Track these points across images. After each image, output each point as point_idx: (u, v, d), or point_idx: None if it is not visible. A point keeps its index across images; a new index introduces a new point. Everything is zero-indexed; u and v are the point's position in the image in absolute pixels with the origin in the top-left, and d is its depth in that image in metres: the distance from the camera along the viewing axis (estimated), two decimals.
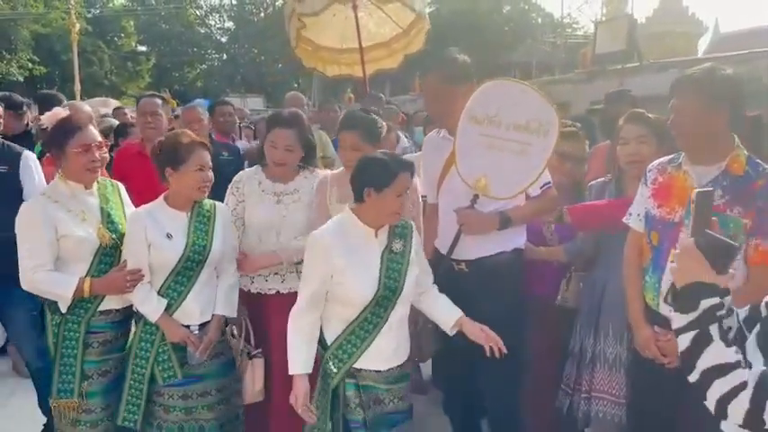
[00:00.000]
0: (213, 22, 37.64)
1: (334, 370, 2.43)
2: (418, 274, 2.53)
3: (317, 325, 2.47)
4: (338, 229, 2.44)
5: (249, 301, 3.08)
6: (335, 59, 5.83)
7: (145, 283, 2.69)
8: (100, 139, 2.75)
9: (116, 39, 31.91)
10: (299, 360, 2.42)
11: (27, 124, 4.84)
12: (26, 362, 3.56)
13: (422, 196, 3.19)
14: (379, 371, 2.45)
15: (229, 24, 37.07)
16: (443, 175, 2.91)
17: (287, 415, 2.91)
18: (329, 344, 2.46)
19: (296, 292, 2.88)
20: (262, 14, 34.62)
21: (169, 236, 2.70)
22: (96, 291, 2.65)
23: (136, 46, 33.98)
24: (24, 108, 4.82)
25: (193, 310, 2.74)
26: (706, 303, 1.38)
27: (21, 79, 26.24)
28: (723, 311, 1.38)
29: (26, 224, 2.63)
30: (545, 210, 2.98)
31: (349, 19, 5.54)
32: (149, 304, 2.69)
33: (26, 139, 4.55)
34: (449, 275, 2.86)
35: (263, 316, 3.05)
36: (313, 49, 5.79)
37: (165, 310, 2.69)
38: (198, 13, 36.41)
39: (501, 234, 2.77)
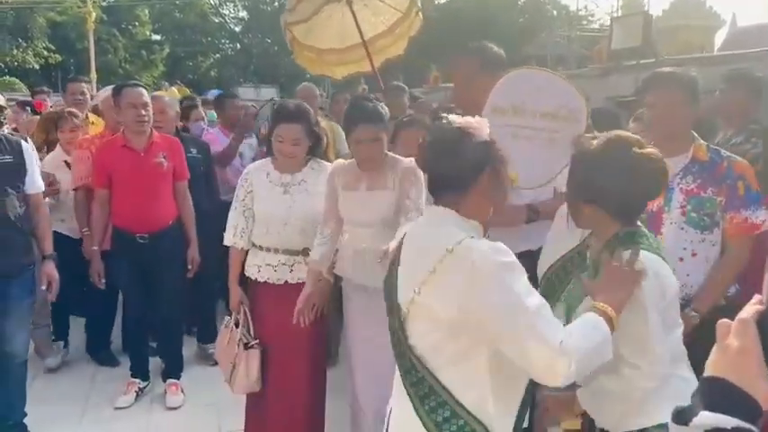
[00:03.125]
0: (227, 12, 37.65)
1: None
2: None
3: None
4: None
5: (255, 289, 3.14)
6: (341, 60, 5.72)
7: None
8: None
9: (130, 27, 31.97)
10: None
11: None
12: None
13: None
14: None
15: (243, 14, 37.07)
16: None
17: (283, 404, 3.06)
18: None
19: (303, 284, 2.98)
20: (276, 4, 34.57)
21: None
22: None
23: (150, 35, 34.03)
24: None
25: None
26: (706, 421, 0.78)
27: (36, 67, 26.42)
28: None
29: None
30: None
31: (346, 16, 5.38)
32: None
33: None
34: None
35: (267, 305, 3.10)
36: (316, 54, 5.69)
37: None
38: (212, 2, 36.40)
39: (528, 232, 2.68)
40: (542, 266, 2.43)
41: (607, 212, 1.85)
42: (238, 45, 36.78)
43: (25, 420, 3.45)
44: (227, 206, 3.29)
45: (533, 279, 2.50)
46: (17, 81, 23.40)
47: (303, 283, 3.04)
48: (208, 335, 4.72)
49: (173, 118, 4.53)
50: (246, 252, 3.16)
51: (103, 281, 3.91)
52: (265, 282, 3.11)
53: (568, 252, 2.30)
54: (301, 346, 3.06)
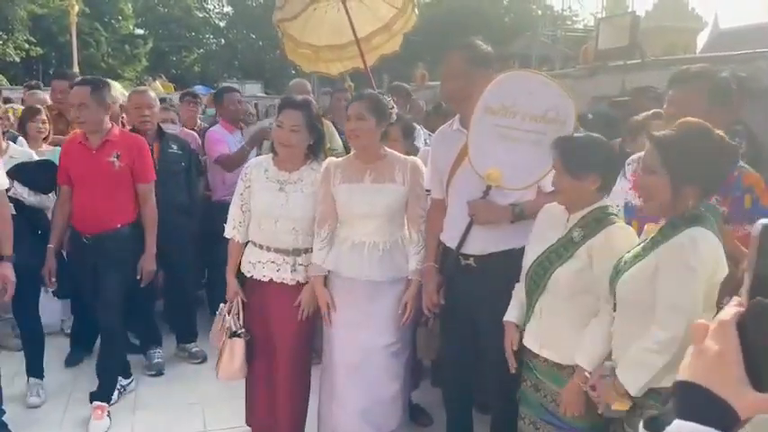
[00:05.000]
0: (212, 7, 37.43)
1: None
2: None
3: None
4: None
5: (250, 285, 3.16)
6: (339, 56, 5.69)
7: None
8: None
9: (113, 21, 31.61)
10: None
11: None
12: None
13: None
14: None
15: (228, 9, 36.86)
16: (455, 169, 2.88)
17: (280, 395, 3.11)
18: None
19: (286, 285, 3.04)
20: (261, 0, 34.43)
21: None
22: None
23: (133, 29, 33.66)
24: None
25: None
26: (680, 431, 0.71)
27: (17, 60, 26.04)
28: None
29: None
30: None
31: (342, 12, 5.29)
32: None
33: None
34: (455, 270, 2.87)
35: (259, 301, 3.13)
36: (313, 51, 5.65)
37: None
38: None
39: (512, 230, 2.73)
40: (526, 262, 2.49)
41: (701, 192, 2.00)
42: (223, 40, 36.57)
43: (5, 419, 3.39)
44: (222, 205, 3.29)
45: (516, 277, 2.56)
46: None
47: (286, 284, 3.07)
48: (188, 334, 4.63)
49: (156, 114, 4.41)
50: (245, 246, 3.18)
51: (54, 279, 3.67)
52: (251, 277, 3.13)
53: (550, 246, 2.39)
54: (284, 345, 3.09)
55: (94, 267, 3.64)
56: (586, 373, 2.23)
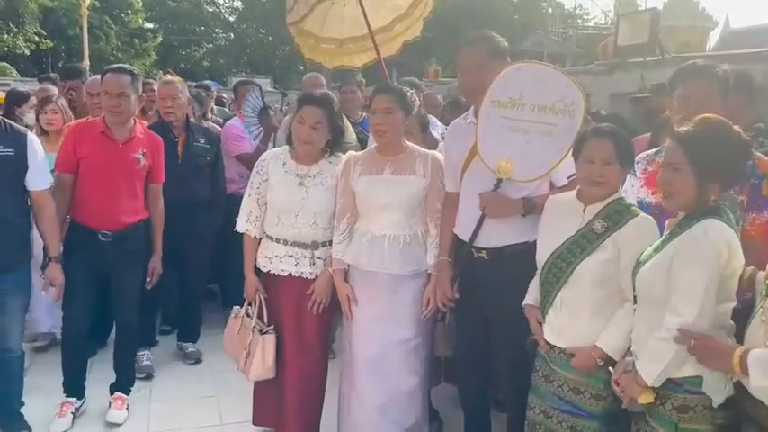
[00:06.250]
0: (222, 1, 37.38)
1: None
2: None
3: None
4: None
5: (265, 280, 3.14)
6: (363, 47, 5.67)
7: None
8: None
9: (123, 15, 31.65)
10: None
11: None
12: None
13: None
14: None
15: (238, 4, 36.79)
16: (468, 162, 2.87)
17: (299, 391, 3.08)
18: None
19: (305, 279, 3.04)
20: None
21: None
22: None
23: (143, 23, 33.71)
24: None
25: None
26: None
27: (27, 53, 26.10)
28: None
29: None
30: None
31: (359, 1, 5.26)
32: None
33: None
34: (468, 263, 2.86)
35: (276, 296, 3.11)
36: (336, 45, 5.63)
37: None
38: None
39: (525, 224, 2.72)
40: (543, 254, 2.49)
41: (721, 187, 2.06)
42: (232, 35, 36.53)
43: (22, 410, 3.39)
44: (237, 198, 3.26)
45: (532, 268, 2.56)
46: (8, 66, 23.10)
47: (305, 278, 3.05)
48: (189, 334, 4.50)
49: (184, 105, 4.28)
50: (260, 241, 3.14)
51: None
52: (269, 272, 3.10)
53: (569, 238, 2.39)
54: (302, 341, 3.07)
55: (107, 267, 3.53)
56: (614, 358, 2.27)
